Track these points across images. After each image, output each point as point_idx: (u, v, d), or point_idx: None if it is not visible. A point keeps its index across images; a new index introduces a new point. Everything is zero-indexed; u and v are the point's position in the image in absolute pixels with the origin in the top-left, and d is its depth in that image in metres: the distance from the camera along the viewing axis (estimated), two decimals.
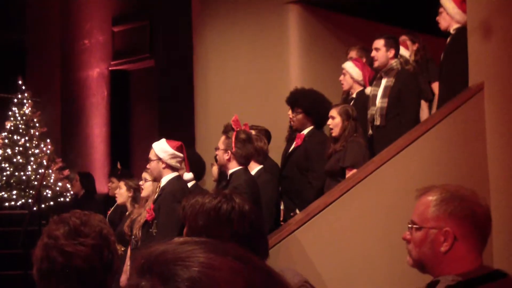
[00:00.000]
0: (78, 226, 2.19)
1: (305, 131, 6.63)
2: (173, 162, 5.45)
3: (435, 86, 6.89)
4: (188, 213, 2.32)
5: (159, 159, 5.44)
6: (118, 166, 9.07)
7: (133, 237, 6.24)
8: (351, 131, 5.98)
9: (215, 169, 6.77)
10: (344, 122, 6.00)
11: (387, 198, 5.32)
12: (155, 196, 5.57)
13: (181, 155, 5.48)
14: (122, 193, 7.32)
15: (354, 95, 6.91)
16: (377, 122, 6.25)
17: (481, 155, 5.77)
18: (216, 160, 6.55)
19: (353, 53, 7.30)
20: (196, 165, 6.62)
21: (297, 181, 6.52)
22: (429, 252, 2.30)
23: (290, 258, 5.08)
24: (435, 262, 2.30)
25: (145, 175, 6.55)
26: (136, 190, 7.23)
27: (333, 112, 6.07)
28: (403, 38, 7.24)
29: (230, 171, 5.32)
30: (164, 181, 5.45)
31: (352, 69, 6.89)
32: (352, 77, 6.90)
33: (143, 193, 6.63)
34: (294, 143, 6.64)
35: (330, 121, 6.08)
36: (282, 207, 6.70)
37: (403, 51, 6.86)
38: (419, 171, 5.59)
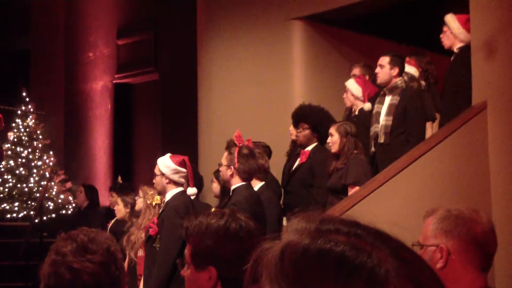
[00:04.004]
0: (86, 243, 2.20)
1: (310, 147, 6.66)
2: (175, 177, 5.47)
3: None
4: (193, 234, 2.31)
5: (163, 174, 5.48)
6: (119, 180, 9.09)
7: (127, 254, 6.29)
8: (351, 148, 6.00)
9: (216, 186, 6.79)
10: (342, 139, 6.02)
11: (390, 216, 5.31)
12: (160, 211, 5.60)
13: (184, 170, 5.49)
14: (120, 209, 7.44)
15: (356, 112, 6.93)
16: (381, 139, 6.24)
17: (483, 173, 5.79)
18: (216, 177, 6.59)
19: (356, 70, 7.33)
20: (195, 178, 6.65)
21: (301, 197, 6.54)
22: None
23: None
24: None
25: (140, 191, 6.61)
26: (133, 206, 7.30)
27: (332, 130, 6.11)
28: (408, 59, 7.20)
29: (232, 187, 5.34)
30: (168, 196, 5.48)
31: (352, 86, 6.92)
32: (352, 94, 6.93)
33: (136, 208, 6.70)
34: (299, 159, 6.66)
35: (329, 139, 6.11)
36: (284, 223, 6.71)
37: (409, 68, 6.84)
38: (422, 189, 5.60)
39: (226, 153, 5.40)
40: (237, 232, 2.28)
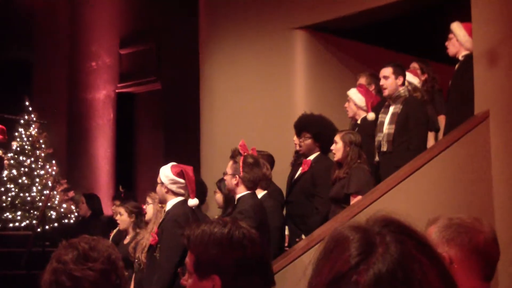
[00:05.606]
0: (87, 251, 2.20)
1: (312, 157, 6.65)
2: (173, 187, 5.45)
3: (441, 119, 6.89)
4: (197, 243, 2.28)
5: (162, 183, 5.47)
6: (120, 189, 9.07)
7: (136, 260, 6.25)
8: (354, 157, 5.99)
9: (219, 197, 6.76)
10: (346, 148, 6.01)
11: None
12: (160, 220, 5.58)
13: (182, 181, 5.46)
14: (123, 219, 7.33)
15: (359, 121, 6.93)
16: (384, 148, 6.24)
17: (486, 181, 5.78)
18: (219, 187, 6.56)
19: (362, 80, 7.30)
20: (197, 188, 6.63)
21: (303, 206, 6.52)
22: None
23: (296, 284, 5.07)
24: None
25: (148, 198, 6.58)
26: (138, 214, 7.24)
27: (337, 137, 6.10)
28: (413, 65, 7.24)
29: (237, 196, 5.32)
30: (169, 205, 5.46)
31: (355, 96, 6.92)
32: (355, 104, 6.92)
33: (147, 216, 6.66)
34: (301, 168, 6.65)
35: (333, 146, 6.11)
36: (287, 232, 6.69)
37: (412, 78, 6.85)
38: (425, 198, 5.59)
39: (231, 162, 5.39)
40: (241, 240, 2.26)
